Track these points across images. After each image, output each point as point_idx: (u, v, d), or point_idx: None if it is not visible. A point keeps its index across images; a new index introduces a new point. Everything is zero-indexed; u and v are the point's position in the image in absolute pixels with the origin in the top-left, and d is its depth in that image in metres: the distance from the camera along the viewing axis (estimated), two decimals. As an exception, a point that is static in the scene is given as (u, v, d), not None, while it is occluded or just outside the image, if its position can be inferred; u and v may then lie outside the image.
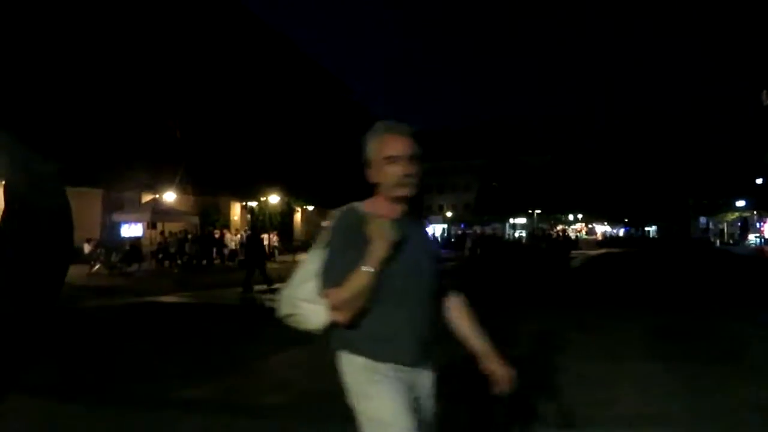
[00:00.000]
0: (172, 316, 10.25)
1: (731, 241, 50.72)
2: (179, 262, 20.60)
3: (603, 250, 40.71)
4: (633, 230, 73.82)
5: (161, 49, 27.19)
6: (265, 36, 35.89)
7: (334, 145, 37.70)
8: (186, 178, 28.20)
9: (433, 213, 62.27)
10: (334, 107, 42.63)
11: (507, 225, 61.18)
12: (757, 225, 50.81)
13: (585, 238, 50.01)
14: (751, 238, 48.88)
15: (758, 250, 42.28)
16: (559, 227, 54.57)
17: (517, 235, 54.26)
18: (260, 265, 13.35)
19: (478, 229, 54.59)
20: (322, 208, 36.72)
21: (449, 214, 56.92)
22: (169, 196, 25.77)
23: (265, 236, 27.93)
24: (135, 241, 20.83)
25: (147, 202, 24.95)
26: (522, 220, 60.11)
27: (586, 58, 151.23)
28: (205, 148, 29.63)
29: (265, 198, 28.03)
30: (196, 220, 26.00)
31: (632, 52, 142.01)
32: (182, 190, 27.63)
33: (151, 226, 24.04)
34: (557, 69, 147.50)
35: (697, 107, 66.54)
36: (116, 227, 23.70)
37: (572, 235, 43.95)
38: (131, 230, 24.14)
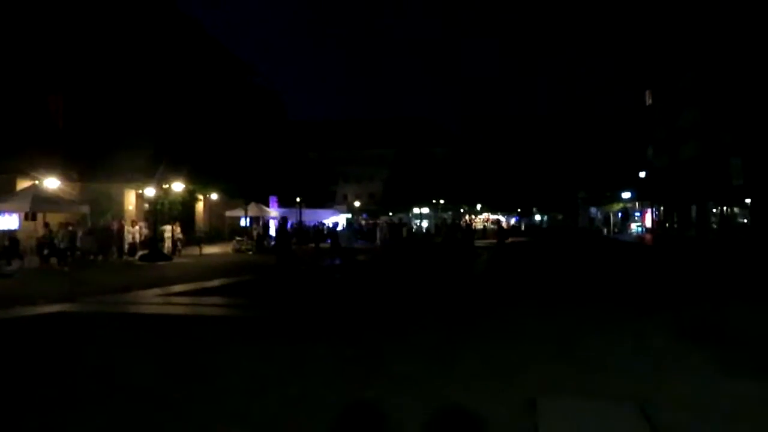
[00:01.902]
0: (73, 336, 8.30)
1: (616, 230, 54.68)
2: (70, 258, 17.76)
3: (510, 240, 42.00)
4: (523, 219, 77.86)
5: (41, 19, 23.63)
6: (164, 14, 32.60)
7: (240, 130, 35.27)
8: (70, 161, 24.81)
9: (337, 202, 60.98)
10: (238, 89, 39.95)
11: (410, 215, 61.61)
12: (636, 215, 55.43)
13: (492, 228, 51.46)
14: (633, 227, 53.06)
15: (639, 237, 46.40)
16: (466, 217, 55.85)
17: (424, 224, 54.70)
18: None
19: (386, 219, 54.35)
20: (228, 197, 34.27)
21: (357, 203, 56.07)
22: (51, 183, 22.41)
23: (167, 228, 25.33)
24: (13, 234, 17.69)
25: (24, 189, 21.49)
26: (425, 210, 60.85)
27: (486, 53, 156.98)
28: (93, 128, 26.27)
29: (167, 185, 25.28)
30: (85, 209, 22.85)
31: (528, 52, 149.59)
32: (66, 176, 24.22)
33: (30, 216, 20.72)
34: (457, 66, 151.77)
35: (587, 105, 71.13)
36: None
37: (480, 225, 44.98)
38: (5, 222, 20.66)
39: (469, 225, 40.68)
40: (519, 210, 78.95)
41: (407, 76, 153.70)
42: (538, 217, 79.21)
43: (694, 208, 39.79)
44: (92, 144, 25.72)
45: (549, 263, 20.36)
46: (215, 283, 14.00)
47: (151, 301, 11.05)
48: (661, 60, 45.10)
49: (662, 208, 47.53)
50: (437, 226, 43.43)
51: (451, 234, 31.19)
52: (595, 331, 7.50)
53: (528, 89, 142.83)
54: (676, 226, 42.41)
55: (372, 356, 6.19)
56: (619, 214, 57.67)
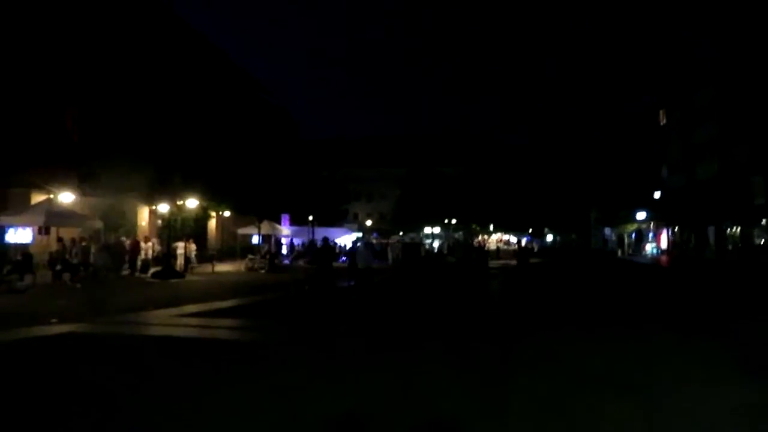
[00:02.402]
0: (90, 360, 7.93)
1: (630, 251, 53.84)
2: (83, 274, 17.46)
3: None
4: (534, 240, 77.03)
5: (59, 34, 23.77)
6: (178, 31, 32.86)
7: (253, 147, 35.20)
8: (84, 176, 24.72)
9: (347, 221, 60.65)
10: (251, 108, 40.06)
11: (422, 234, 61.19)
12: (649, 236, 54.64)
13: (504, 249, 50.96)
14: (648, 248, 52.17)
15: (655, 259, 45.41)
16: (479, 237, 55.38)
17: (435, 244, 54.20)
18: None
19: (397, 239, 53.97)
20: (240, 215, 34.03)
21: (368, 222, 55.78)
22: (66, 197, 22.27)
23: (180, 244, 25.04)
24: (26, 249, 17.46)
25: (38, 204, 21.34)
26: (436, 230, 60.41)
27: (499, 72, 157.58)
28: (107, 143, 26.22)
29: (182, 201, 25.07)
30: (99, 224, 22.68)
31: (542, 70, 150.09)
32: (80, 190, 24.07)
33: (43, 231, 20.51)
34: (471, 84, 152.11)
35: (601, 125, 70.97)
36: (-2, 232, 19.95)
37: (493, 245, 44.45)
38: (18, 236, 20.45)
39: (481, 245, 40.17)
40: (530, 230, 78.32)
41: (419, 93, 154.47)
42: (549, 237, 78.41)
43: (711, 229, 39.10)
44: (106, 159, 25.64)
45: (570, 285, 19.81)
46: (228, 303, 13.60)
47: (165, 322, 10.66)
48: (676, 78, 44.82)
49: (678, 228, 46.77)
50: (449, 246, 42.90)
51: (467, 255, 30.68)
52: (653, 363, 6.87)
53: (540, 108, 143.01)
54: (693, 246, 41.62)
55: (413, 391, 5.71)
56: (633, 235, 56.94)
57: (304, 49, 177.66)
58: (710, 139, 37.12)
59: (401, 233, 59.42)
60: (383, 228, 59.14)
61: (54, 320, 10.17)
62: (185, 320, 10.87)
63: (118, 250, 19.93)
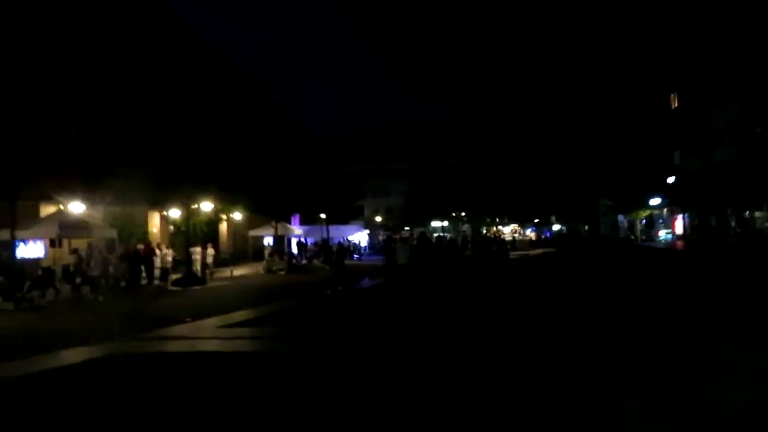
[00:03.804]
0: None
1: (643, 237, 53.14)
2: (104, 286, 16.54)
3: (540, 251, 40.66)
4: (542, 229, 76.26)
5: (61, 41, 22.80)
6: (183, 36, 31.89)
7: (261, 148, 34.25)
8: (93, 184, 23.77)
9: (358, 218, 59.80)
10: (257, 108, 39.05)
11: (430, 228, 60.34)
12: (659, 222, 53.91)
13: (519, 239, 50.11)
14: (662, 233, 51.41)
15: (671, 244, 44.64)
16: (494, 229, 54.60)
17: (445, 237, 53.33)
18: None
19: (406, 234, 53.17)
20: (255, 215, 33.11)
21: (378, 218, 54.89)
22: (76, 207, 21.34)
23: (197, 249, 24.11)
24: (40, 263, 16.55)
25: (50, 216, 20.43)
26: (445, 223, 59.49)
27: (503, 60, 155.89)
28: (115, 150, 25.26)
29: (196, 205, 24.16)
30: (113, 233, 21.74)
31: (547, 57, 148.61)
32: (90, 199, 23.12)
33: (57, 243, 19.61)
34: (475, 72, 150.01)
35: (612, 110, 69.88)
36: (9, 246, 19.00)
37: (509, 236, 43.61)
38: (31, 249, 19.54)
39: (497, 237, 39.33)
40: (537, 220, 77.56)
41: (418, 84, 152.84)
42: (556, 227, 77.67)
43: (732, 213, 38.30)
44: (114, 166, 24.69)
45: (605, 276, 18.93)
46: (265, 310, 12.73)
47: (210, 335, 9.75)
48: (689, 61, 43.91)
49: (695, 213, 45.94)
50: (464, 240, 42.00)
51: (486, 247, 29.76)
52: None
53: (546, 96, 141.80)
54: (715, 231, 40.78)
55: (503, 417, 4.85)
56: (643, 221, 56.22)
57: (296, 45, 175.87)
58: (730, 120, 36.24)
59: (406, 228, 58.62)
60: (393, 223, 58.29)
61: (90, 339, 9.28)
62: (230, 332, 9.96)
63: (135, 260, 18.96)
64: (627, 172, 52.45)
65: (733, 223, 38.59)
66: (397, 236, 43.91)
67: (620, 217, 57.55)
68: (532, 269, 23.83)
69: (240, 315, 11.93)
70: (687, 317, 9.46)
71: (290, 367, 6.93)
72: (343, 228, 40.17)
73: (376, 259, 37.92)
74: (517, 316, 10.47)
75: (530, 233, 62.90)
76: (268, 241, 35.48)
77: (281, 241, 35.16)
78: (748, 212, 36.07)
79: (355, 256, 39.03)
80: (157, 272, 21.17)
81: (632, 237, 53.49)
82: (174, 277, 20.77)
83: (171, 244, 26.75)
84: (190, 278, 20.02)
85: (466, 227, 61.85)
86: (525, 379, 5.83)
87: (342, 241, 39.32)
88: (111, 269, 17.28)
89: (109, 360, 7.72)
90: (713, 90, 39.22)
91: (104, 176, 24.38)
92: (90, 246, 19.33)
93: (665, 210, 51.32)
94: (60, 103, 23.57)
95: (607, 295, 13.28)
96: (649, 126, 53.18)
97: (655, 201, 49.18)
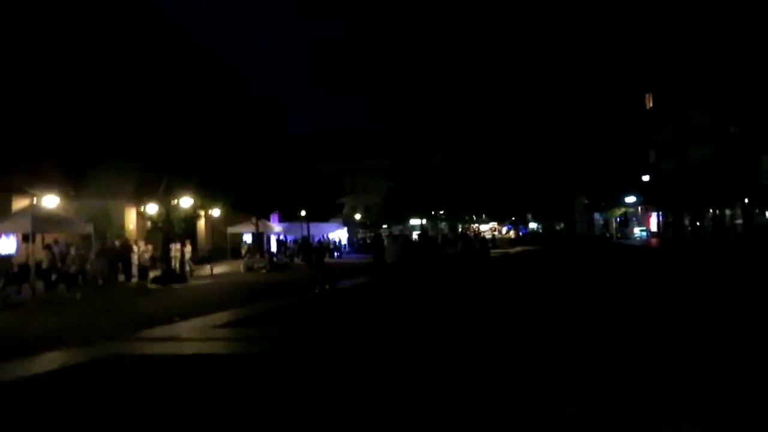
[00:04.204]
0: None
1: (619, 235, 54.04)
2: (81, 284, 15.93)
3: (519, 248, 40.95)
4: (518, 227, 76.88)
5: (40, 31, 21.93)
6: (162, 28, 31.01)
7: (241, 142, 33.60)
8: (67, 177, 22.93)
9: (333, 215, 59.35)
10: (235, 100, 38.31)
11: (407, 226, 60.26)
12: (633, 220, 54.92)
13: (499, 237, 50.35)
14: (636, 231, 52.35)
15: (646, 242, 45.44)
16: (473, 227, 54.82)
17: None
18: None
19: (385, 232, 53.04)
20: (235, 212, 32.45)
21: (357, 216, 54.54)
22: (50, 201, 20.51)
23: (175, 246, 23.48)
24: (17, 259, 15.85)
25: (22, 209, 19.60)
26: (422, 221, 59.48)
27: (482, 59, 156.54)
28: (91, 143, 24.44)
29: (175, 201, 23.50)
30: (89, 228, 20.98)
31: (524, 57, 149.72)
32: (65, 193, 22.29)
33: (30, 238, 18.83)
34: (454, 71, 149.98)
35: (589, 110, 70.76)
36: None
37: (488, 234, 43.77)
38: (3, 245, 18.75)
39: (477, 235, 39.42)
40: (513, 218, 78.19)
41: (398, 81, 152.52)
42: (532, 225, 78.42)
43: (705, 211, 39.13)
44: (91, 159, 23.89)
45: (591, 273, 19.06)
46: (254, 309, 12.36)
47: (203, 336, 9.35)
48: (664, 63, 44.71)
49: (669, 211, 46.88)
50: (444, 237, 42.00)
51: (468, 245, 29.76)
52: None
53: (522, 94, 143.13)
54: (689, 229, 41.64)
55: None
56: (618, 219, 57.20)
57: (272, 41, 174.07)
58: (704, 122, 37.00)
59: (384, 226, 58.42)
60: (372, 221, 58.04)
61: (89, 336, 8.85)
62: (223, 332, 9.61)
63: (113, 256, 18.33)
64: (603, 171, 53.23)
65: (705, 221, 39.46)
66: (386, 234, 43.79)
67: (596, 215, 58.41)
68: (520, 266, 23.89)
69: (229, 314, 11.55)
70: (669, 308, 9.50)
71: (292, 369, 6.65)
72: (322, 225, 39.75)
73: (356, 258, 37.83)
74: (514, 312, 10.36)
75: (509, 232, 63.26)
76: (247, 238, 34.90)
77: (260, 238, 34.61)
78: (718, 211, 36.92)
79: (336, 254, 38.69)
80: (134, 269, 20.54)
81: (608, 234, 54.31)
82: (153, 274, 20.14)
83: (148, 241, 26.07)
84: (171, 276, 19.47)
85: (443, 225, 61.97)
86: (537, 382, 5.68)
87: (322, 238, 38.96)
88: (88, 266, 16.61)
89: (102, 363, 7.32)
90: (688, 91, 40.02)
91: (81, 169, 23.59)
92: (64, 242, 18.64)
93: (640, 208, 52.24)
94: (37, 94, 22.71)
95: (595, 289, 13.29)
96: (625, 125, 54.06)
97: (630, 199, 49.99)
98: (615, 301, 11.32)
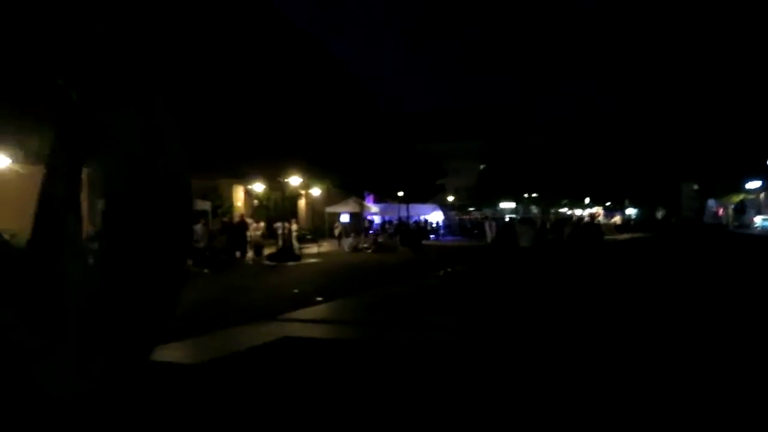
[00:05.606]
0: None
1: (736, 224, 49.51)
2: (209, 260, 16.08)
3: (627, 235, 38.34)
4: (616, 213, 72.43)
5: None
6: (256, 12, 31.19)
7: (340, 123, 33.40)
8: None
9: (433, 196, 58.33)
10: (332, 82, 38.18)
11: (498, 209, 58.36)
12: (749, 208, 49.89)
13: (604, 223, 47.60)
14: (757, 220, 47.61)
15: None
16: (578, 212, 52.31)
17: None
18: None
19: (479, 215, 51.69)
20: (339, 190, 32.29)
21: (450, 198, 53.51)
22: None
23: (280, 225, 23.50)
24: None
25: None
26: (512, 205, 57.30)
27: (585, 34, 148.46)
28: (204, 123, 24.92)
29: (285, 179, 23.51)
30: (206, 206, 21.44)
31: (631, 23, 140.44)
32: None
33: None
34: (556, 48, 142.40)
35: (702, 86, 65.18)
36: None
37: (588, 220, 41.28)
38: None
39: (591, 221, 37.11)
40: (608, 203, 73.87)
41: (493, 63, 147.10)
42: (629, 211, 73.73)
43: None
44: (202, 136, 24.35)
45: (732, 267, 16.98)
46: (393, 290, 11.77)
47: (362, 318, 8.83)
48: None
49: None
50: (544, 223, 40.00)
51: (578, 233, 27.87)
52: None
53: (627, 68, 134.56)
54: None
55: None
56: (734, 207, 52.32)
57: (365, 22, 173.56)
58: None
59: (471, 209, 56.87)
60: (459, 204, 56.77)
61: (235, 317, 8.56)
62: (379, 317, 9.01)
63: (234, 232, 18.49)
64: (718, 154, 48.71)
65: None
66: (483, 217, 42.36)
67: (710, 202, 53.73)
68: (647, 257, 21.99)
69: (369, 297, 11.01)
70: None
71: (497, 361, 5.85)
72: (419, 207, 39.02)
73: (453, 240, 36.83)
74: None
75: (614, 217, 59.55)
76: (344, 218, 34.80)
77: (358, 218, 34.41)
78: None
79: (432, 236, 37.92)
80: (248, 246, 20.72)
81: (724, 223, 49.88)
82: (269, 252, 20.22)
83: (253, 218, 26.45)
84: (286, 253, 19.41)
85: (535, 209, 59.50)
86: None
87: (418, 220, 38.25)
88: (215, 242, 16.78)
89: (280, 346, 6.85)
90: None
91: (193, 147, 24.15)
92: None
93: (762, 195, 47.43)
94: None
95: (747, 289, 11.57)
96: (745, 102, 49.09)
97: (754, 184, 45.39)
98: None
